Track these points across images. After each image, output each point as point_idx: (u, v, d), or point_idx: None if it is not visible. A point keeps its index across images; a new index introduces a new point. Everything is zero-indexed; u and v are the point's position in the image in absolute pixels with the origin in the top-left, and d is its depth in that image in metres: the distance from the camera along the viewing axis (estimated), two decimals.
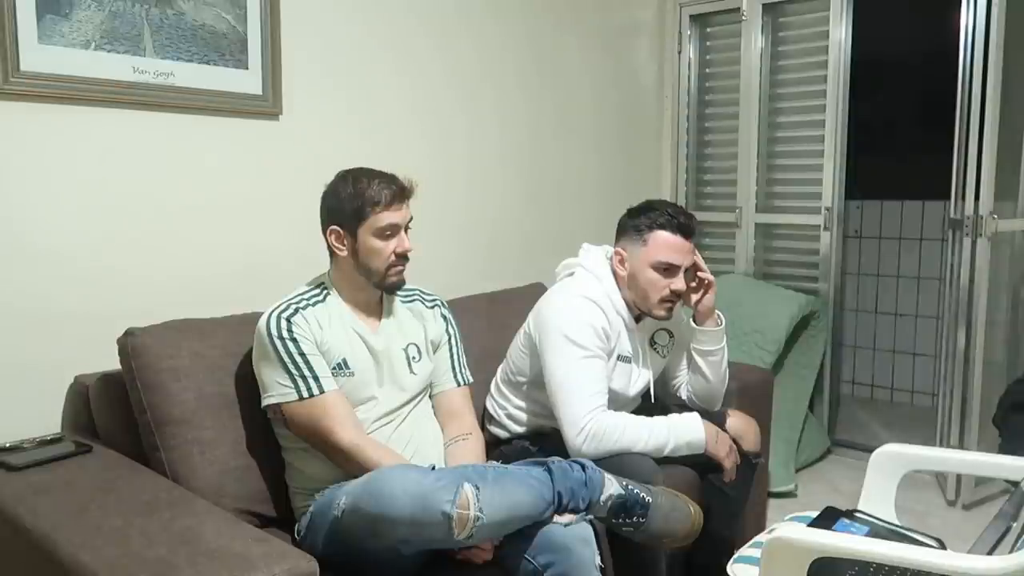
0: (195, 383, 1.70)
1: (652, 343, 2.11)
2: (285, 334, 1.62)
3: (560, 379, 1.89)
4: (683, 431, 1.89)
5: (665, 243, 1.95)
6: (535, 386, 2.02)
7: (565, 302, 1.96)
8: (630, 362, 2.03)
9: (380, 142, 2.45)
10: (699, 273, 2.05)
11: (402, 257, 1.73)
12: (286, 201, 2.22)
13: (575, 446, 1.84)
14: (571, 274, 2.08)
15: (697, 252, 2.04)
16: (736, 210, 3.47)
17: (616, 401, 1.98)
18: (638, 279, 1.98)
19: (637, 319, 2.04)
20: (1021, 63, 2.87)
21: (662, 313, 1.99)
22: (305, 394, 1.62)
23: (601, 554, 1.55)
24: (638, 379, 2.07)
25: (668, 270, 1.95)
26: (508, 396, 2.10)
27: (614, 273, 2.03)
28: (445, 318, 1.92)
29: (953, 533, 2.48)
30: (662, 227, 1.95)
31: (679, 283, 1.96)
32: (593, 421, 1.83)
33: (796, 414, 3.16)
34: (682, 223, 1.96)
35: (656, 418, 1.90)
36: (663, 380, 2.20)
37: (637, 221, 1.99)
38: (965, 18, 2.78)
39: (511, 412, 2.08)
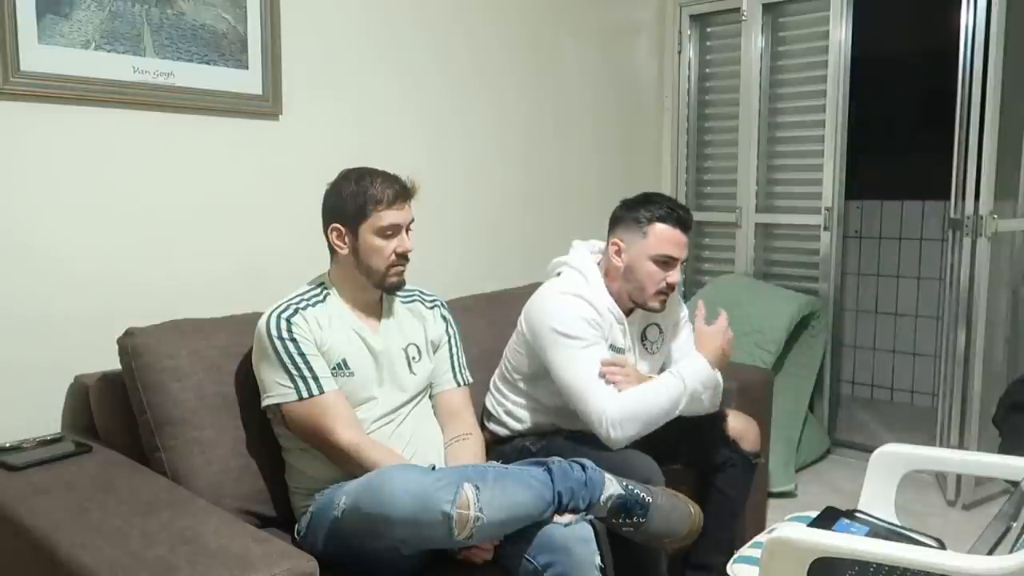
0: (195, 383, 1.70)
1: (643, 339, 2.11)
2: (285, 334, 1.62)
3: (568, 377, 1.90)
4: (688, 370, 1.90)
5: (666, 236, 1.96)
6: (532, 383, 2.03)
7: (552, 301, 1.97)
8: (624, 354, 2.03)
9: (380, 142, 2.45)
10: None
11: (402, 257, 1.73)
12: (286, 201, 2.22)
13: (605, 440, 1.85)
14: (559, 273, 2.09)
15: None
16: (736, 210, 3.47)
17: None
18: (636, 271, 1.98)
19: (627, 313, 2.05)
20: (1021, 63, 2.87)
21: (656, 305, 2.00)
22: (305, 394, 1.62)
23: (601, 554, 1.55)
24: None
25: (666, 263, 1.96)
26: (506, 394, 2.10)
27: (604, 266, 2.03)
28: (445, 318, 1.92)
29: (953, 533, 2.48)
30: (662, 220, 1.96)
31: (675, 276, 1.98)
32: (610, 409, 1.83)
33: (796, 414, 3.16)
34: (681, 216, 1.98)
35: (663, 375, 1.91)
36: None
37: (637, 213, 1.99)
38: (965, 17, 2.78)
39: (509, 409, 2.09)
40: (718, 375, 1.95)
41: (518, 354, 2.07)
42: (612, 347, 2.00)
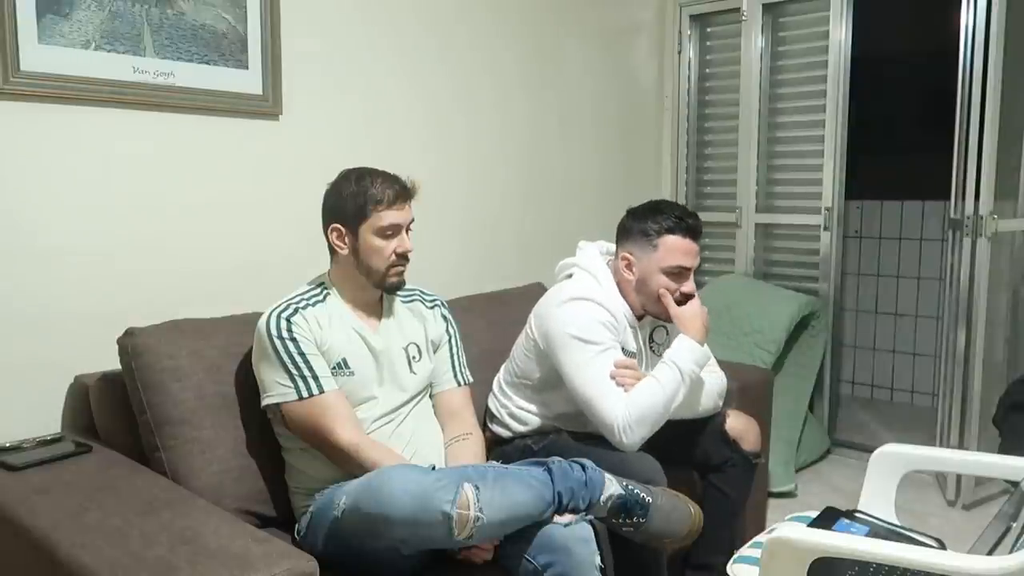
0: (195, 383, 1.70)
1: (650, 340, 2.11)
2: (285, 334, 1.63)
3: (581, 382, 1.88)
4: (680, 355, 1.89)
5: (677, 248, 1.94)
6: (543, 389, 2.02)
7: (567, 305, 1.94)
8: (634, 358, 2.02)
9: (380, 142, 2.45)
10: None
11: (402, 257, 1.73)
12: (286, 201, 2.22)
13: (619, 446, 1.84)
14: (569, 275, 2.07)
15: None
16: (736, 210, 3.47)
17: None
18: (649, 283, 1.96)
19: (639, 317, 2.04)
20: (1021, 63, 2.87)
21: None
22: (305, 394, 1.62)
23: (601, 554, 1.55)
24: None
25: (679, 274, 1.95)
26: (511, 396, 2.09)
27: (617, 274, 2.02)
28: (445, 318, 1.92)
29: (953, 533, 2.49)
30: (671, 231, 1.94)
31: (690, 285, 1.96)
32: (620, 416, 1.83)
33: (796, 414, 3.16)
34: (691, 225, 1.95)
35: (655, 369, 1.90)
36: None
37: (645, 225, 1.96)
38: (965, 17, 2.78)
39: (513, 412, 2.08)
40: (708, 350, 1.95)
41: (527, 359, 2.04)
42: (624, 350, 1.99)
